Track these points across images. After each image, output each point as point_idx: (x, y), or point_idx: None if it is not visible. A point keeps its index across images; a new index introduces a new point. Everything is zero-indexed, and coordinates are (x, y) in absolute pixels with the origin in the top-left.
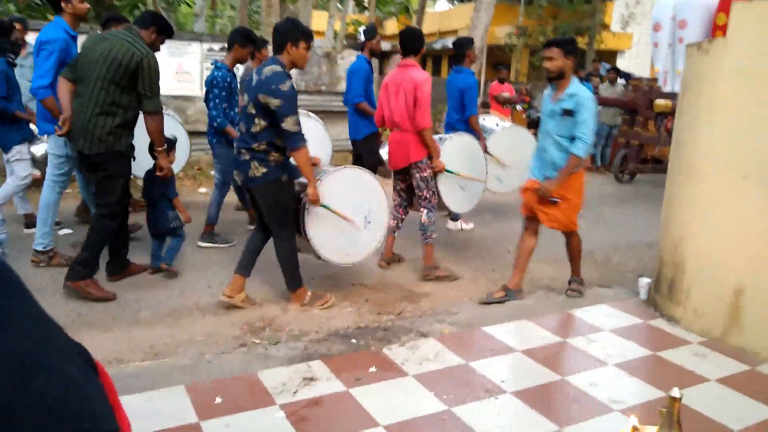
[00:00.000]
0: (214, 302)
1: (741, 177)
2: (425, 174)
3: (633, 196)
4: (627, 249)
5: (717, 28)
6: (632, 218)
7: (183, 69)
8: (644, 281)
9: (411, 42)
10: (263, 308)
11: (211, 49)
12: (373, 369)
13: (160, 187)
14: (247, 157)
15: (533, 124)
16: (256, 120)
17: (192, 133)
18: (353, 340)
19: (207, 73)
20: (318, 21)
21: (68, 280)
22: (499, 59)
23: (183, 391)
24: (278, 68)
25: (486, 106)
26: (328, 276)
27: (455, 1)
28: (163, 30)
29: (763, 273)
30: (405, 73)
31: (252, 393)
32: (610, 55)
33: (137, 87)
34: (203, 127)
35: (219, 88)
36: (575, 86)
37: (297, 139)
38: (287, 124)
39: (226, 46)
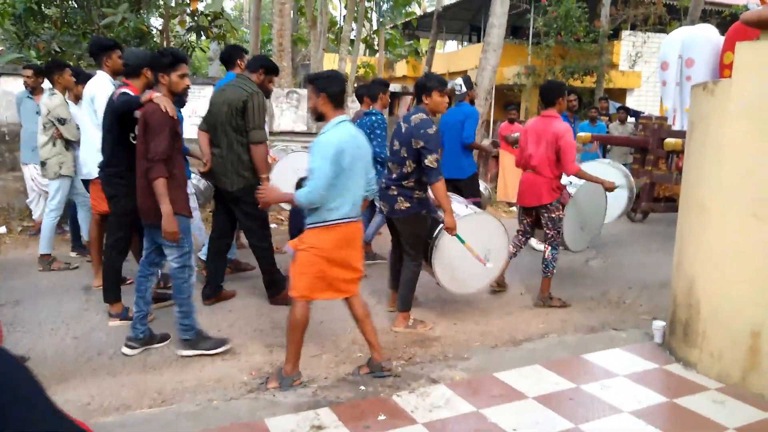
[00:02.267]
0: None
1: (750, 216)
2: (554, 215)
3: (646, 236)
4: (641, 289)
5: (724, 67)
6: (646, 258)
7: (197, 113)
8: (658, 324)
9: (549, 94)
10: (272, 354)
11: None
12: (382, 417)
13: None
14: (395, 192)
15: None
16: (407, 162)
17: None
18: (362, 387)
19: None
20: (328, 63)
21: (271, 299)
22: (508, 99)
23: None
24: (423, 115)
25: (496, 146)
26: (338, 319)
27: (464, 42)
28: (270, 71)
29: None
30: (547, 123)
31: None
32: (619, 94)
33: (246, 121)
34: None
35: (381, 128)
36: (327, 127)
37: (436, 174)
38: (428, 161)
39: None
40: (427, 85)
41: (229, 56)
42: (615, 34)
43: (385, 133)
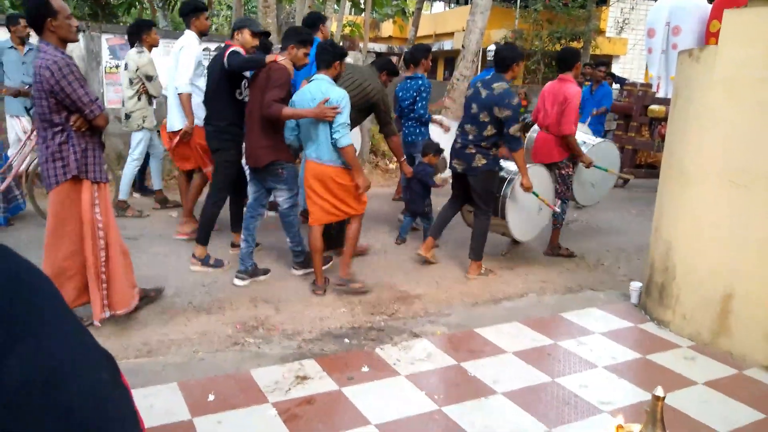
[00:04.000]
0: (208, 301)
1: (729, 183)
2: (564, 172)
3: (626, 201)
4: (619, 253)
5: (711, 35)
6: (625, 223)
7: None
8: (635, 285)
9: (566, 60)
10: (257, 308)
11: (206, 49)
12: (365, 368)
13: (416, 180)
14: (473, 151)
15: (527, 128)
16: (489, 127)
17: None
18: (346, 340)
19: None
20: None
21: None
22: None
23: (176, 389)
24: (506, 85)
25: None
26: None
27: (451, 4)
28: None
29: (752, 278)
30: (561, 85)
31: (244, 391)
32: (605, 61)
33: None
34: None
35: (426, 92)
36: None
37: (518, 142)
38: (513, 130)
39: (222, 45)
40: (516, 58)
41: (313, 23)
42: (603, 0)
43: (428, 97)
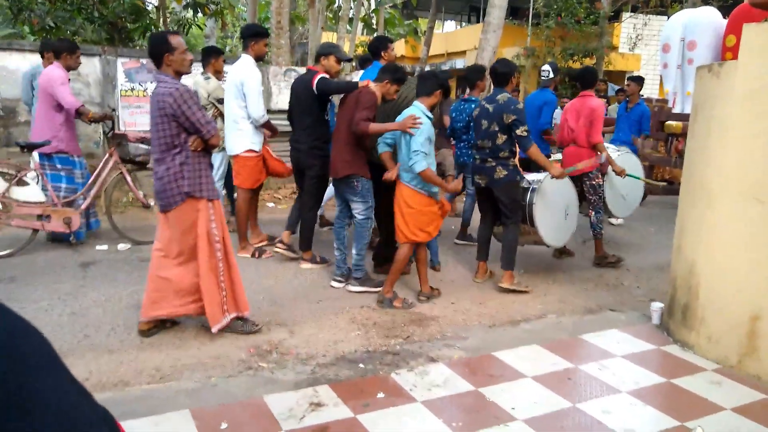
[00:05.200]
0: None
1: (753, 200)
2: (594, 182)
3: (644, 218)
4: (638, 272)
5: (727, 50)
6: (644, 240)
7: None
8: (657, 306)
9: (586, 79)
10: (271, 331)
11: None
12: (381, 395)
13: None
14: (493, 164)
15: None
16: (498, 135)
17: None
18: (361, 365)
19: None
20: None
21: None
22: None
23: (188, 416)
24: (508, 95)
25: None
26: (335, 298)
27: (463, 23)
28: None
29: None
30: (584, 101)
31: (258, 418)
32: (619, 77)
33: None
34: None
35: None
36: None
37: (528, 140)
38: (520, 131)
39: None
40: (513, 73)
41: (376, 48)
42: (615, 16)
43: None
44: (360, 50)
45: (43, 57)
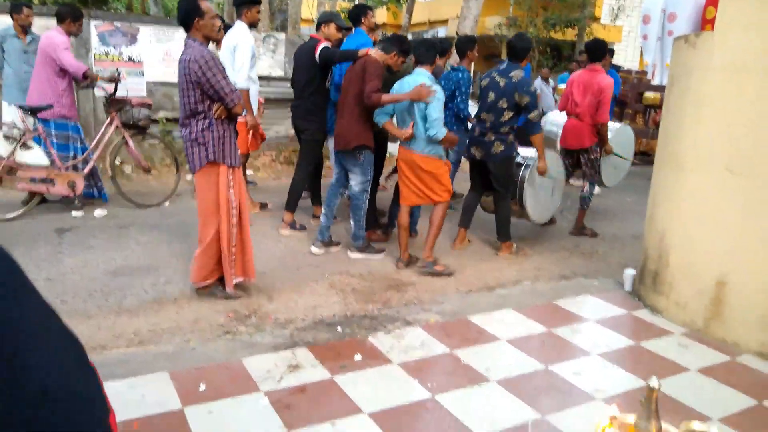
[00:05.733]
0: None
1: (725, 170)
2: (593, 156)
3: (619, 189)
4: (614, 240)
5: (706, 22)
6: (618, 210)
7: (170, 55)
8: (629, 273)
9: (596, 51)
10: (250, 297)
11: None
12: (358, 357)
13: None
14: (492, 138)
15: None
16: (506, 112)
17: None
18: (339, 329)
19: None
20: (306, 9)
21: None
22: (489, 50)
23: (167, 378)
24: (522, 73)
25: (475, 98)
26: (315, 265)
27: None
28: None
29: (745, 265)
30: (593, 76)
31: (236, 380)
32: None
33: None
34: None
35: (465, 86)
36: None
37: (538, 127)
38: (533, 116)
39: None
40: (529, 49)
41: (356, 15)
42: None
43: (468, 91)
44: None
45: (61, 23)
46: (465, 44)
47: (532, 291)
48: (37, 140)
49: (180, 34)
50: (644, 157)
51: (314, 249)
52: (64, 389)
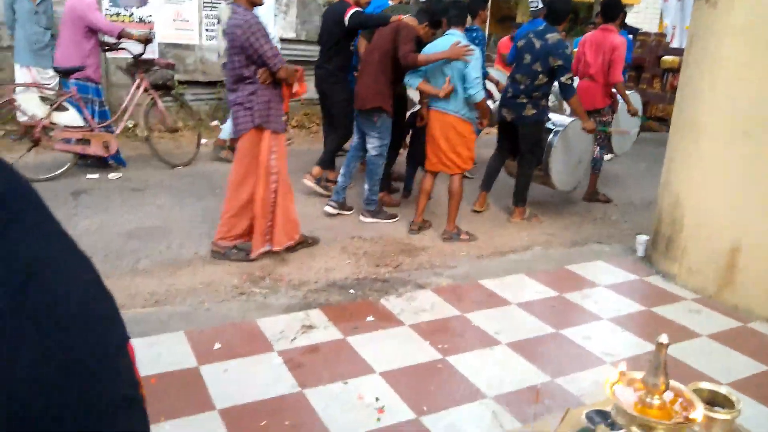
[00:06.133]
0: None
1: (741, 135)
2: (604, 119)
3: (634, 155)
4: (626, 206)
5: None
6: (632, 176)
7: (181, 17)
8: (642, 238)
9: (611, 10)
10: (264, 258)
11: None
12: (370, 318)
13: None
14: (525, 101)
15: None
16: (540, 76)
17: (190, 83)
18: (351, 291)
19: (207, 20)
20: None
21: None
22: (503, 12)
23: (183, 337)
24: (557, 35)
25: (490, 61)
26: (329, 228)
27: None
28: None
29: (760, 231)
30: (605, 35)
31: (250, 340)
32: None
33: None
34: (201, 77)
35: (480, 46)
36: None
37: (571, 89)
38: (565, 79)
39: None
40: (565, 9)
41: None
42: None
43: (484, 52)
44: None
45: None
46: (477, 3)
47: (544, 256)
48: (71, 101)
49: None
50: (660, 122)
51: (328, 209)
52: (82, 307)
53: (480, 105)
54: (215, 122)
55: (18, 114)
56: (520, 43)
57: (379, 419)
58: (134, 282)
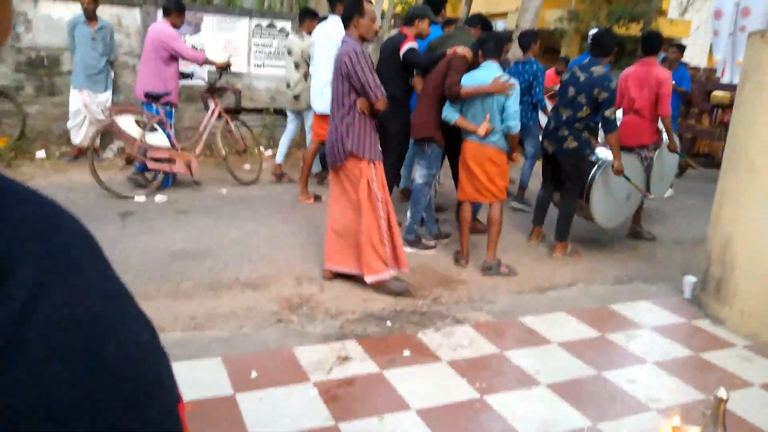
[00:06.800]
0: (254, 277)
1: None
2: (650, 155)
3: (681, 192)
4: (672, 245)
5: None
6: (679, 214)
7: (231, 44)
8: (689, 279)
9: (652, 44)
10: (302, 286)
11: (258, 26)
12: (406, 352)
13: None
14: (566, 133)
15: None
16: (584, 108)
17: (240, 110)
18: (388, 323)
19: (255, 48)
20: None
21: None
22: (548, 44)
23: (220, 363)
24: (603, 69)
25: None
26: None
27: None
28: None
29: None
30: (649, 69)
31: (287, 368)
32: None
33: None
34: (249, 104)
35: (542, 76)
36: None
37: (612, 125)
38: (609, 113)
39: (272, 22)
40: (613, 46)
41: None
42: None
43: (544, 80)
44: (399, 8)
45: (167, 16)
46: (528, 38)
47: (586, 294)
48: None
49: (241, 23)
50: (707, 159)
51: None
52: (137, 371)
53: (512, 138)
54: (268, 152)
55: (72, 136)
56: (565, 76)
57: None
58: (176, 304)
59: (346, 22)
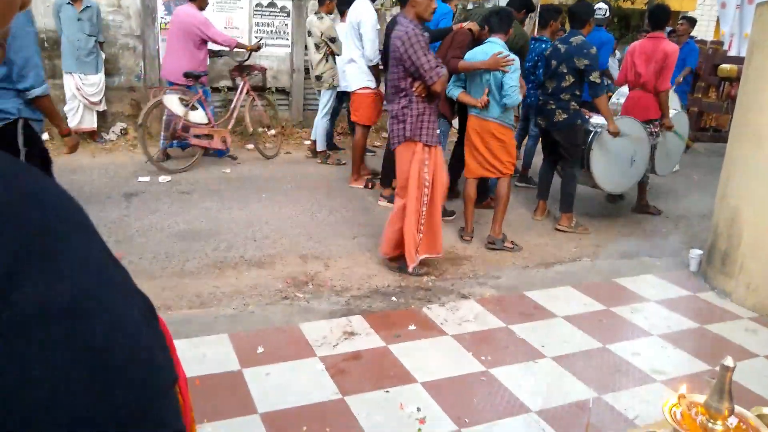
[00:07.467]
0: (259, 255)
1: None
2: (656, 130)
3: (687, 166)
4: (678, 219)
5: None
6: (685, 188)
7: (232, 24)
8: (695, 253)
9: (659, 18)
10: (307, 264)
11: (259, 5)
12: (412, 327)
13: None
14: (554, 106)
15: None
16: (566, 77)
17: (265, 89)
18: (394, 298)
19: (256, 28)
20: None
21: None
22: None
23: (227, 340)
24: (581, 37)
25: None
26: (371, 235)
27: None
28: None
29: None
30: (656, 43)
31: (293, 344)
32: (672, 17)
33: None
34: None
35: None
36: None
37: (600, 88)
38: (593, 77)
39: (273, 1)
40: (590, 14)
41: None
42: None
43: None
44: None
45: (192, 0)
46: (549, 13)
47: (592, 268)
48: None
49: (242, 2)
50: (715, 133)
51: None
52: (128, 349)
53: (513, 107)
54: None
55: (69, 119)
56: (548, 52)
57: (420, 429)
58: (181, 283)
59: (402, 1)
